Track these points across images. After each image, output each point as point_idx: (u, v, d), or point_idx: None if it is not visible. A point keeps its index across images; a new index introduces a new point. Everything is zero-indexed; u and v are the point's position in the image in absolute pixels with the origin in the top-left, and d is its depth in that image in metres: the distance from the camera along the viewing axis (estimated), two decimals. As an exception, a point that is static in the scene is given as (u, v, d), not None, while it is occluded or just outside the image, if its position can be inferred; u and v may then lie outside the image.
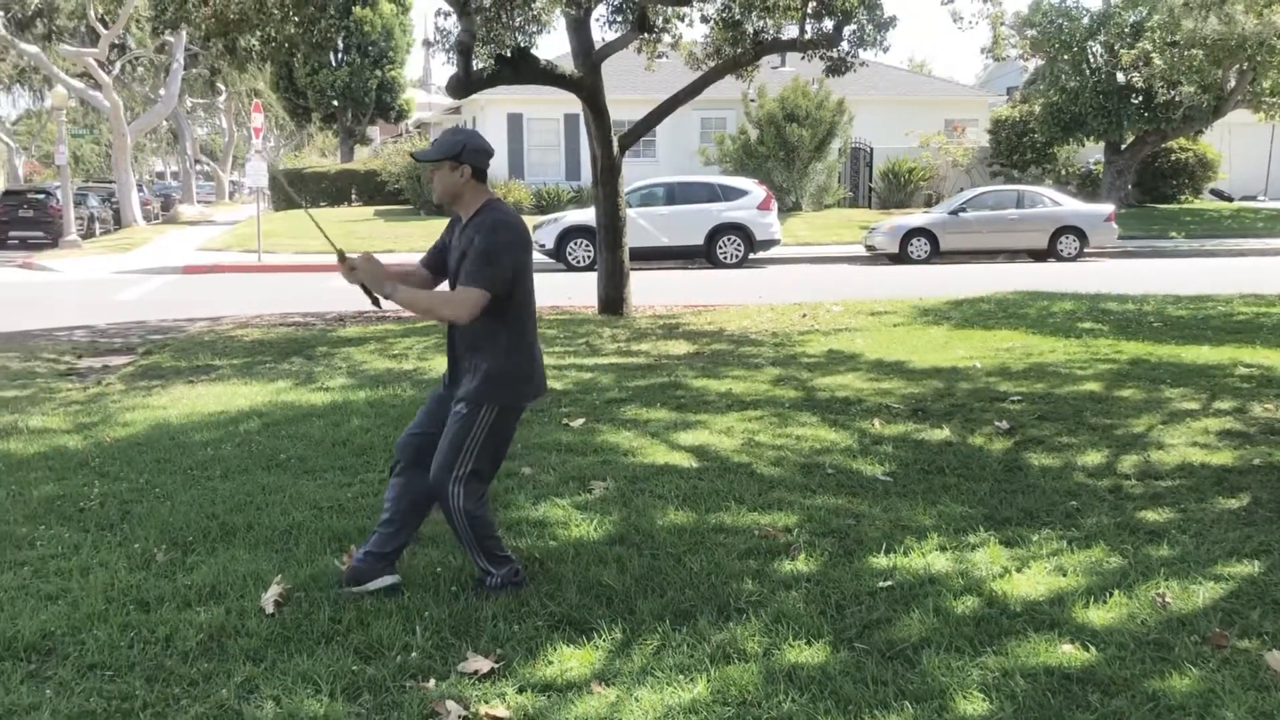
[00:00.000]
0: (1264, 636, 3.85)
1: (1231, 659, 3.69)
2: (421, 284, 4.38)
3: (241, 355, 10.74)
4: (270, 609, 4.15)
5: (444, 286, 4.37)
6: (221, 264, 23.23)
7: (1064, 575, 4.46)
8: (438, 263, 4.37)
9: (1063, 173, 31.76)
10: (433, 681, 3.61)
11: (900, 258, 22.42)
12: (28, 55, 33.21)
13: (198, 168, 63.81)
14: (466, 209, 4.20)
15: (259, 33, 13.23)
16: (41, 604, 4.25)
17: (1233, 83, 26.85)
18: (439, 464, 4.18)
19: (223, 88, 51.53)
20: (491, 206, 4.18)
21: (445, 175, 4.16)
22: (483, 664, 3.70)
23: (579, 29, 13.26)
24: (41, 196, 32.30)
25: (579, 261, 21.21)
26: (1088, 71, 28.21)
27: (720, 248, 21.93)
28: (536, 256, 22.42)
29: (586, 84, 13.19)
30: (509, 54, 12.14)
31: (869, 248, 23.33)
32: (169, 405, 8.12)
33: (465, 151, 4.12)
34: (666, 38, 14.31)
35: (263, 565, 4.62)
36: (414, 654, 3.80)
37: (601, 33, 13.93)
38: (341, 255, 4.27)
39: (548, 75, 12.88)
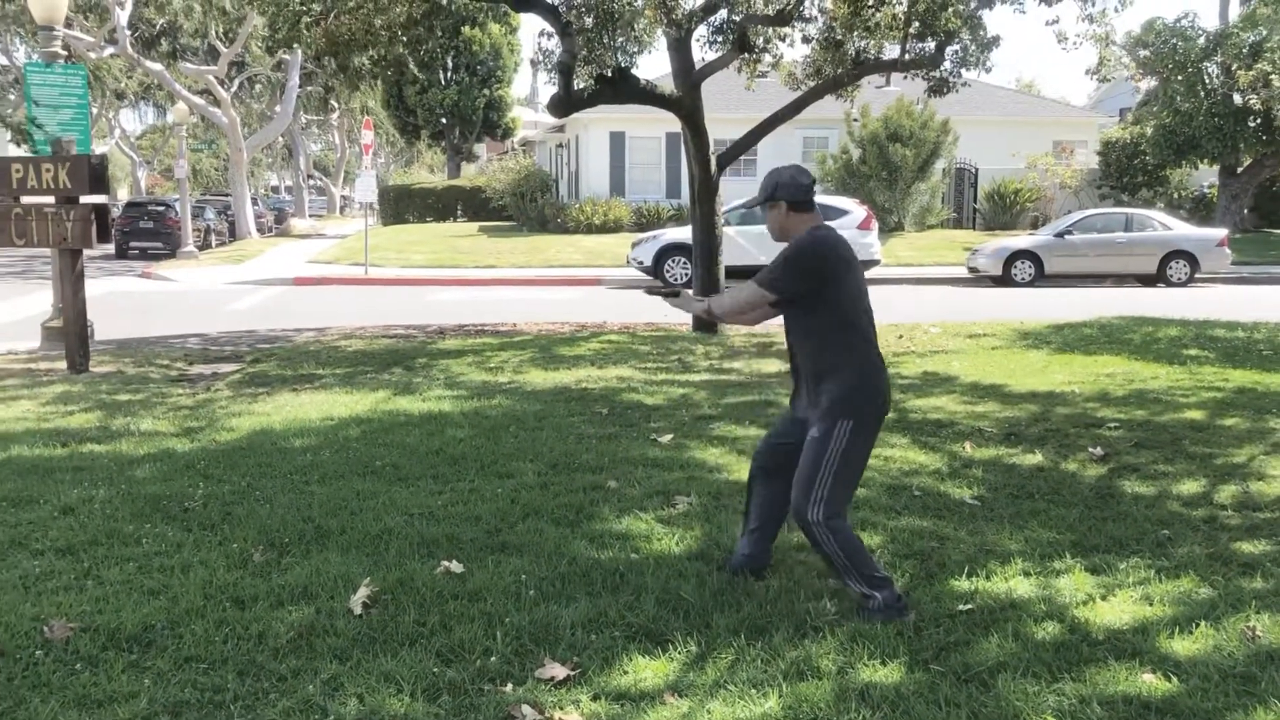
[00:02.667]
0: (1357, 674, 3.74)
1: (1320, 695, 3.60)
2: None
3: (344, 365, 11.03)
4: (358, 610, 4.29)
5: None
6: (329, 276, 23.84)
7: (1150, 604, 4.39)
8: None
9: (1175, 196, 30.96)
10: (510, 686, 3.70)
11: (1003, 280, 22.08)
12: (152, 73, 34.53)
13: (310, 182, 65.57)
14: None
15: (369, 52, 13.62)
16: (144, 598, 4.45)
17: (1358, 104, 25.94)
18: (798, 491, 4.29)
19: (335, 105, 52.97)
20: (807, 232, 4.36)
21: (770, 214, 4.46)
22: (559, 671, 3.78)
23: (679, 49, 13.38)
24: (161, 209, 33.51)
25: (676, 279, 21.31)
26: (1202, 93, 27.50)
27: (820, 268, 21.79)
28: (632, 274, 22.60)
29: (685, 103, 13.29)
30: (609, 74, 12.31)
31: (972, 269, 23.02)
32: (272, 412, 8.39)
33: (778, 189, 4.39)
34: (767, 58, 14.36)
35: (353, 568, 4.77)
36: (493, 659, 3.89)
37: (702, 52, 14.04)
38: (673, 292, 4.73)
39: (647, 95, 13.02)
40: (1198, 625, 4.15)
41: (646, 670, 3.81)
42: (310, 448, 7.12)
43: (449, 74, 43.41)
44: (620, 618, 4.23)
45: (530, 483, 6.19)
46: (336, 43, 13.19)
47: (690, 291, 4.37)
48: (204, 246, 33.40)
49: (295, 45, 14.27)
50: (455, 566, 4.76)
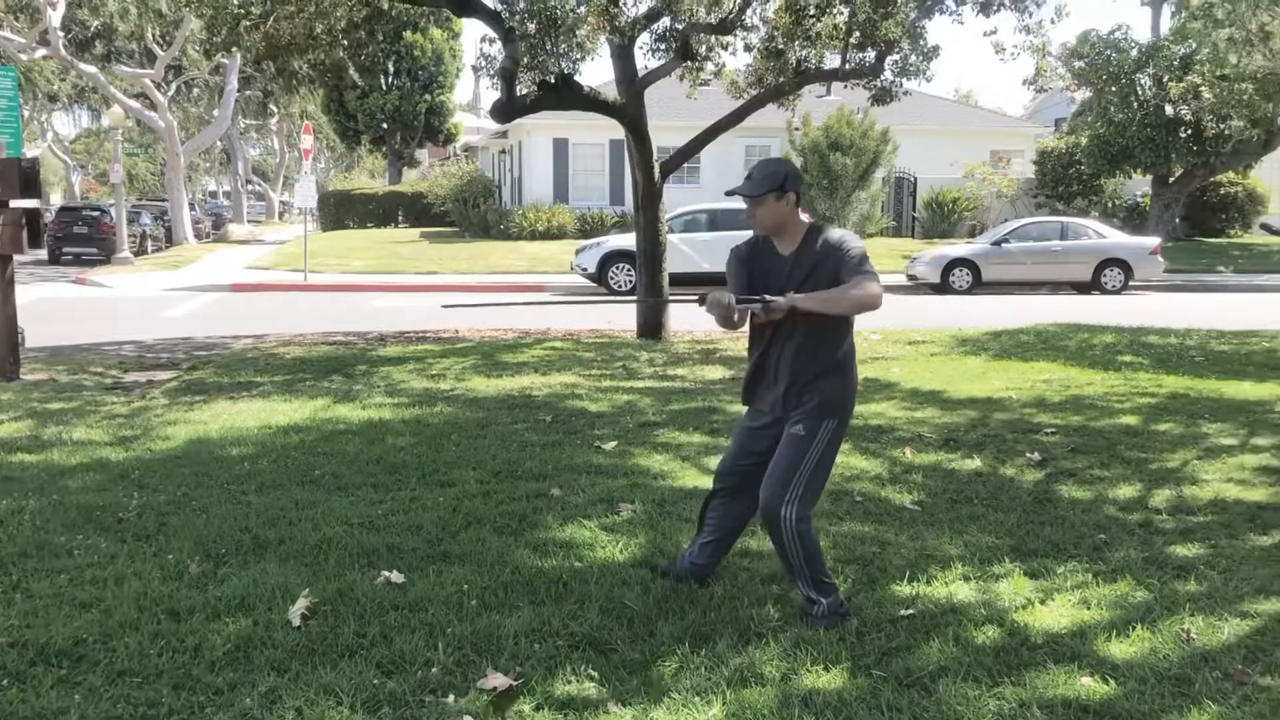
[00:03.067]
0: (1287, 674, 3.82)
1: (1252, 696, 3.67)
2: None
3: (283, 372, 10.89)
4: (297, 622, 4.23)
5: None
6: (268, 282, 23.56)
7: (1088, 608, 4.45)
8: (756, 287, 4.30)
9: (1109, 205, 31.52)
10: (452, 697, 3.66)
11: (942, 288, 22.34)
12: (86, 75, 33.91)
13: (249, 187, 64.75)
14: (792, 236, 4.28)
15: (308, 57, 13.48)
16: (75, 611, 4.34)
17: (1284, 116, 26.57)
18: (773, 489, 4.22)
19: (275, 109, 52.41)
20: (820, 227, 4.30)
21: (772, 206, 4.23)
22: (501, 681, 3.74)
23: (623, 56, 13.39)
24: (96, 214, 32.92)
25: (620, 285, 21.33)
26: (1135, 104, 28.04)
27: (761, 274, 21.93)
28: (576, 280, 22.60)
29: (629, 110, 13.31)
30: (552, 80, 12.28)
31: (911, 277, 23.26)
32: (209, 420, 8.25)
33: (789, 180, 4.22)
34: (709, 66, 14.42)
35: (292, 579, 4.70)
36: (435, 669, 3.85)
37: (645, 60, 14.06)
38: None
39: (590, 101, 13.02)
40: (1134, 628, 4.21)
41: (590, 679, 3.79)
42: (248, 456, 7.01)
43: (390, 79, 43.09)
44: (563, 627, 4.20)
45: (472, 491, 6.15)
46: (276, 47, 13.04)
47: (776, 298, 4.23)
48: (140, 252, 32.84)
49: (234, 49, 14.09)
50: (396, 576, 4.70)
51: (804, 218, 4.39)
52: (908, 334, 13.99)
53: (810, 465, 4.20)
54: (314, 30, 12.86)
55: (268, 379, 10.47)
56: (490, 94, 51.52)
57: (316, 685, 3.73)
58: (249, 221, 56.95)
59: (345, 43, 13.46)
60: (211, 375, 10.81)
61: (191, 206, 43.91)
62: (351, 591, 4.54)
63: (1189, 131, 27.44)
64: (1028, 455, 7.09)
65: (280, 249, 32.96)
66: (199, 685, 3.73)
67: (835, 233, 4.27)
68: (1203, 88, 25.74)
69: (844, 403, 4.27)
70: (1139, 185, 31.84)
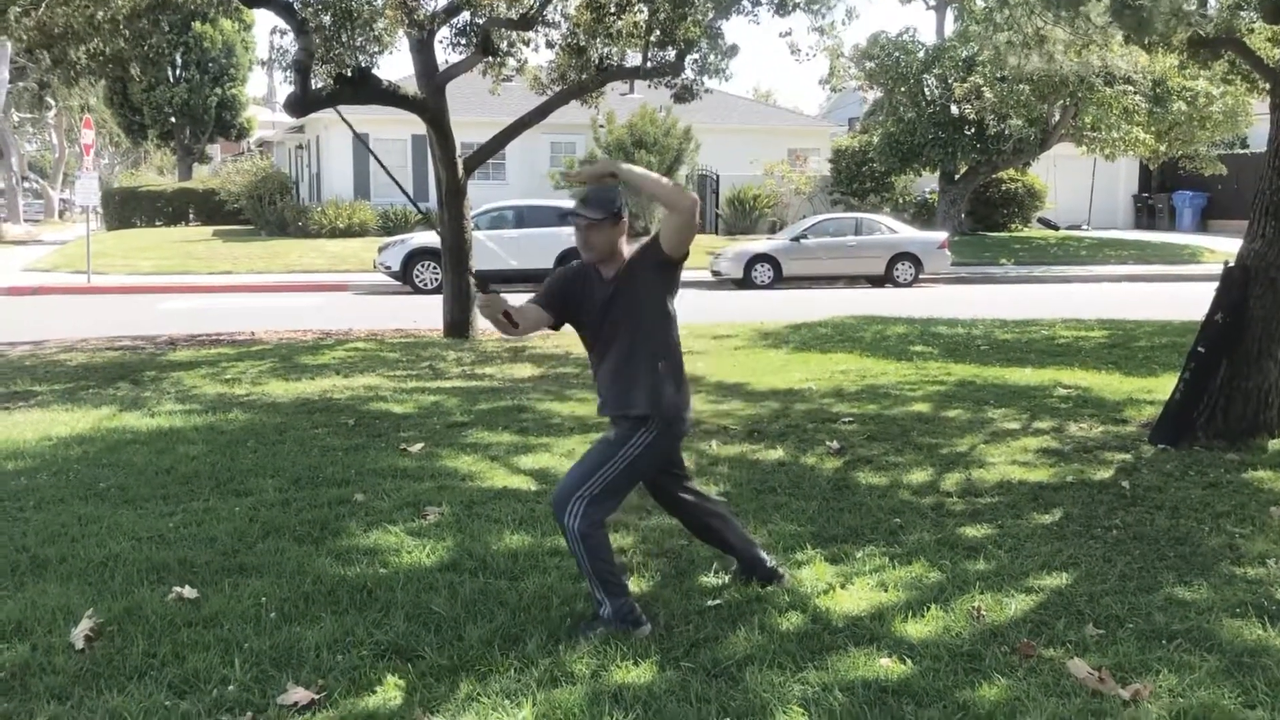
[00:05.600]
0: (1068, 645, 4.03)
1: (1037, 668, 3.86)
2: (537, 320, 4.21)
3: (64, 380, 10.29)
4: (80, 644, 3.99)
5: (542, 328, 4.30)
6: (47, 285, 22.21)
7: (885, 590, 4.60)
8: (557, 307, 4.23)
9: (900, 201, 32.81)
10: (250, 715, 3.51)
11: (745, 283, 22.83)
12: None
13: (25, 185, 60.98)
14: (616, 262, 4.18)
15: (87, 46, 12.77)
16: None
17: (1057, 117, 28.17)
18: (566, 484, 4.16)
19: (52, 102, 49.47)
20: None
21: (608, 232, 4.13)
22: (303, 695, 3.61)
23: (422, 50, 13.17)
24: None
25: (426, 284, 20.97)
26: (923, 104, 29.26)
27: (569, 271, 21.95)
28: (379, 279, 22.14)
29: (430, 105, 13.10)
30: (349, 74, 11.97)
31: (714, 273, 23.68)
32: (-19, 433, 7.71)
33: (623, 207, 4.14)
34: (511, 61, 14.33)
35: (74, 599, 4.43)
36: (231, 687, 3.69)
37: (445, 54, 13.86)
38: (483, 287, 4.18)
39: (389, 96, 12.76)
40: (929, 608, 4.37)
41: (396, 688, 3.70)
42: (25, 470, 6.59)
43: (178, 71, 41.23)
44: (368, 635, 4.09)
45: (270, 500, 5.93)
46: (51, 35, 12.29)
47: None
48: (-99, 254, 30.49)
49: (3, 36, 13.20)
50: (189, 592, 4.49)
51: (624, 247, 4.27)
52: (712, 329, 14.23)
53: (621, 464, 4.15)
54: (94, 18, 12.17)
55: (47, 388, 9.86)
56: (285, 87, 50.07)
57: (103, 711, 3.52)
58: (26, 221, 53.58)
59: (127, 32, 12.79)
60: (-17, 385, 10.11)
61: (-40, 205, 41.07)
62: (140, 610, 4.31)
63: (973, 130, 28.79)
64: (827, 444, 7.30)
65: (61, 249, 31.11)
66: (-32, 719, 3.47)
67: (638, 246, 4.23)
68: (984, 88, 27.06)
69: (661, 414, 4.17)
70: (928, 182, 33.25)
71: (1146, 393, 9.08)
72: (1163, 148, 27.86)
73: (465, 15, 13.40)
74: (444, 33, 13.52)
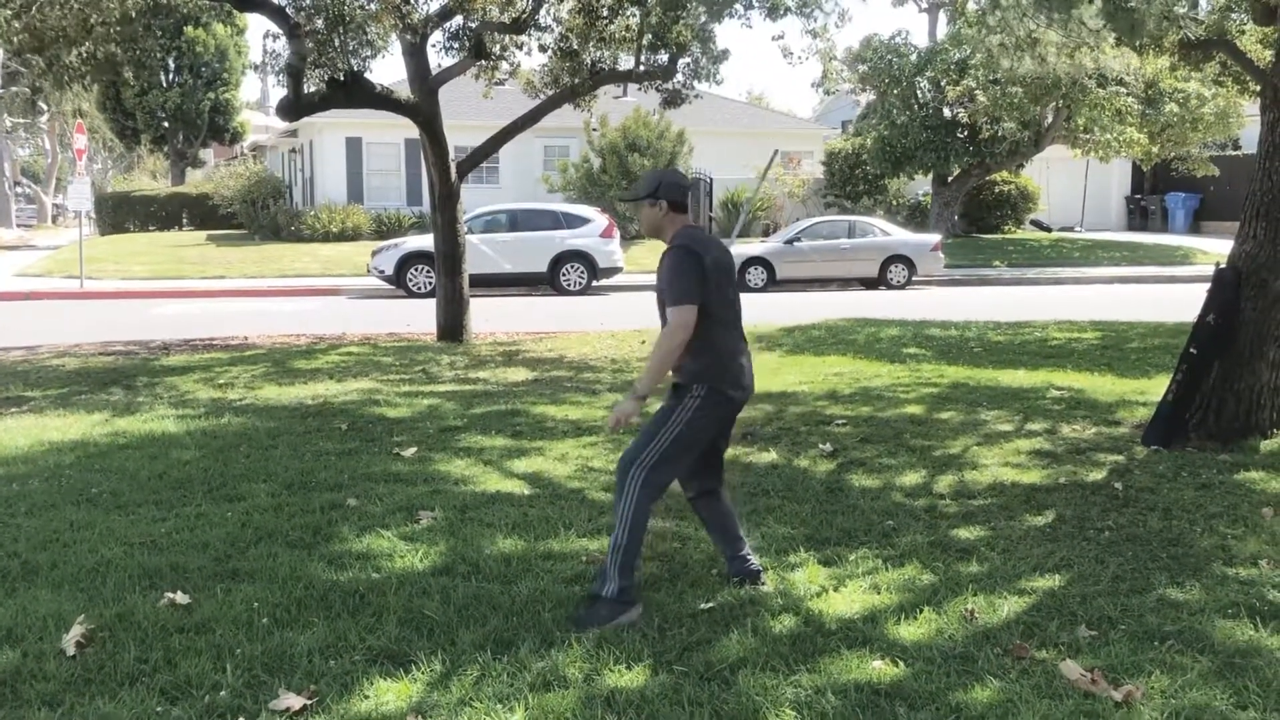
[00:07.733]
0: (1060, 647, 4.04)
1: (1030, 669, 3.86)
2: None
3: (57, 385, 10.27)
4: (71, 651, 3.98)
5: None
6: (41, 290, 22.16)
7: (878, 593, 4.60)
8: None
9: (893, 204, 32.85)
10: (242, 721, 3.51)
11: (739, 286, 22.84)
12: None
13: (18, 190, 60.84)
14: (666, 239, 4.53)
15: (79, 49, 12.75)
16: None
17: (1050, 119, 28.25)
18: (630, 451, 4.41)
19: (45, 107, 49.36)
20: (678, 234, 4.50)
21: (646, 212, 4.55)
22: (295, 701, 3.61)
23: (415, 54, 13.17)
24: None
25: (420, 288, 20.95)
26: (916, 107, 29.31)
27: (563, 275, 21.97)
28: (373, 283, 22.11)
29: (423, 109, 13.10)
30: (341, 78, 11.97)
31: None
32: (-27, 439, 7.69)
33: (661, 188, 4.51)
34: (504, 65, 14.33)
35: (66, 605, 4.42)
36: (223, 693, 3.68)
37: (439, 58, 13.92)
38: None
39: (382, 100, 12.75)
40: (921, 610, 4.37)
41: (388, 694, 3.70)
42: (17, 476, 6.57)
43: (171, 75, 41.17)
44: (360, 641, 4.09)
45: (263, 505, 5.92)
46: (42, 39, 12.26)
47: None
48: (-107, 259, 30.42)
49: (-6, 42, 13.20)
50: (181, 597, 4.48)
51: (684, 224, 4.55)
52: (706, 331, 14.21)
53: (671, 434, 4.37)
54: (87, 21, 12.15)
55: (40, 393, 9.85)
56: (279, 91, 49.99)
57: (94, 717, 3.52)
58: (19, 226, 53.46)
59: (119, 36, 12.77)
60: (-24, 390, 10.09)
61: (-48, 210, 40.97)
62: (132, 615, 4.29)
63: (965, 133, 28.84)
64: (820, 446, 7.30)
65: (54, 254, 31.04)
66: (-41, 726, 3.46)
67: (673, 244, 4.46)
68: (977, 91, 27.10)
69: (701, 383, 4.42)
70: (921, 185, 33.29)
71: (1139, 394, 9.10)
72: (1155, 149, 27.92)
73: (458, 19, 13.41)
74: (437, 37, 13.55)
